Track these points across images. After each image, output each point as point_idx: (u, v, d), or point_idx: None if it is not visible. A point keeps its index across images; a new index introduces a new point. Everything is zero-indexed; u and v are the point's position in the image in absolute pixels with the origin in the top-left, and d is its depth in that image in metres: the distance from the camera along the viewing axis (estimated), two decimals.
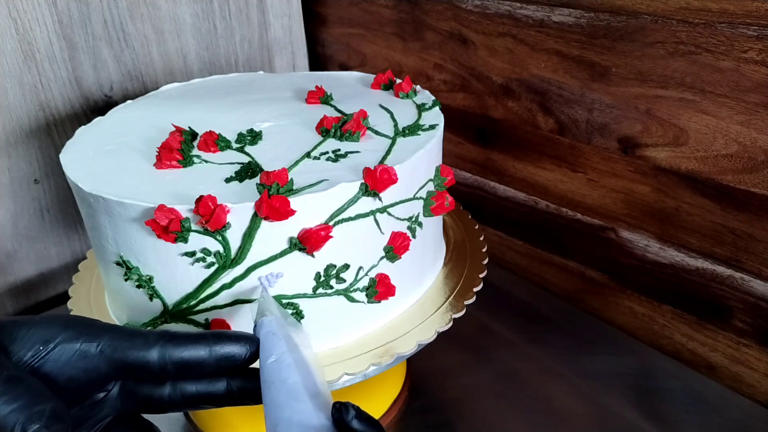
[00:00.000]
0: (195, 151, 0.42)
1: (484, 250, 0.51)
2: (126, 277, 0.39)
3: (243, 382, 0.32)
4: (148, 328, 0.41)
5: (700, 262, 0.55)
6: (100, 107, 0.68)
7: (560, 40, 0.58)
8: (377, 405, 0.50)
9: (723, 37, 0.47)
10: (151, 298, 0.39)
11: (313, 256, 0.37)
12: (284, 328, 0.32)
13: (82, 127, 0.49)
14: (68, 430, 0.25)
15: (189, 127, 0.44)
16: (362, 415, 0.27)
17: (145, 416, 0.33)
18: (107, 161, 0.42)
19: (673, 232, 0.56)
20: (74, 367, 0.28)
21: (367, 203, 0.38)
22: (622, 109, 0.56)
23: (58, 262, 0.70)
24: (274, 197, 0.34)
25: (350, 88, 0.54)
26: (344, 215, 0.37)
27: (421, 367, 0.55)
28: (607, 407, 0.51)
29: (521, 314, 0.63)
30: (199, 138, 0.43)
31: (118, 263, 0.39)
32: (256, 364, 0.31)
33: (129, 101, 0.54)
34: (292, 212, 0.35)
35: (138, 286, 0.39)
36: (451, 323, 0.43)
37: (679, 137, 0.52)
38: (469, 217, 0.56)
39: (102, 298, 0.47)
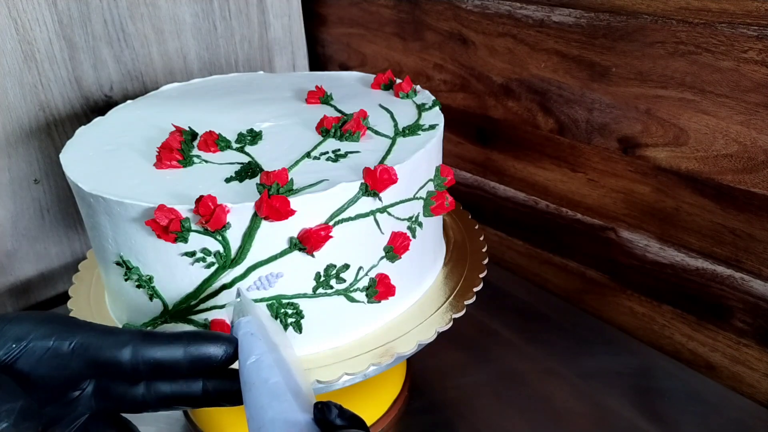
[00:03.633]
0: (195, 151, 0.42)
1: (484, 250, 0.51)
2: (126, 277, 0.39)
3: (219, 384, 0.31)
4: (149, 328, 0.41)
5: (700, 262, 0.55)
6: (100, 107, 0.68)
7: (560, 40, 0.58)
8: (377, 405, 0.50)
9: (723, 37, 0.47)
10: (151, 298, 0.39)
11: (313, 256, 0.37)
12: (263, 329, 0.31)
13: (82, 127, 0.49)
14: (38, 428, 0.25)
15: (189, 127, 0.44)
16: (345, 413, 0.27)
17: (137, 416, 0.33)
18: (107, 161, 0.42)
19: (673, 232, 0.56)
20: (47, 365, 0.28)
21: (367, 203, 0.38)
22: (622, 109, 0.56)
23: (58, 262, 0.70)
24: (274, 197, 0.34)
25: (350, 88, 0.54)
26: (344, 215, 0.37)
27: (421, 367, 0.55)
28: (607, 407, 0.51)
29: (521, 314, 0.63)
30: (199, 138, 0.43)
31: (118, 263, 0.39)
32: (235, 365, 0.30)
33: (129, 101, 0.54)
34: (292, 212, 0.35)
35: (138, 286, 0.39)
36: (451, 323, 0.43)
37: (679, 137, 0.52)
38: (469, 217, 0.56)
39: (102, 298, 0.47)
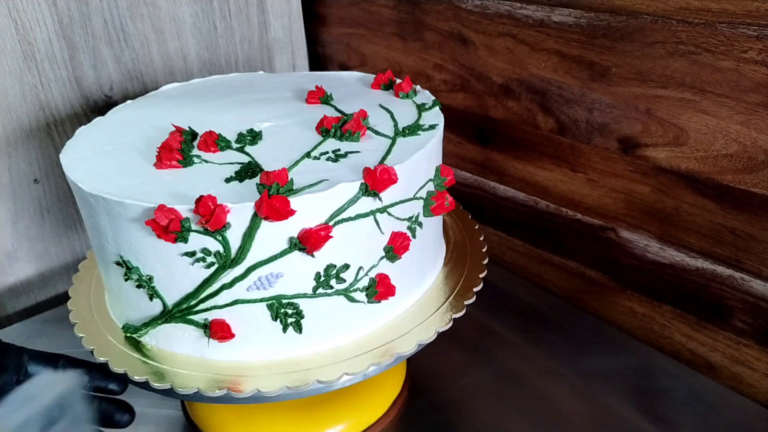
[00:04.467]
0: (195, 151, 0.42)
1: (484, 250, 0.51)
2: (126, 277, 0.39)
3: None
4: (150, 329, 0.41)
5: (700, 262, 0.55)
6: (100, 107, 0.68)
7: (560, 40, 0.58)
8: (377, 405, 0.50)
9: (723, 37, 0.47)
10: (151, 298, 0.39)
11: (313, 256, 0.37)
12: None
13: (82, 127, 0.49)
14: None
15: (189, 127, 0.44)
16: None
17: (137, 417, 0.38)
18: (107, 161, 0.42)
19: (673, 232, 0.56)
20: None
21: (367, 203, 0.38)
22: (622, 109, 0.56)
23: (58, 262, 0.70)
24: (274, 197, 0.34)
25: (350, 88, 0.54)
26: (344, 215, 0.37)
27: (421, 367, 0.55)
28: (607, 407, 0.51)
29: (521, 314, 0.63)
30: (199, 138, 0.43)
31: (118, 263, 0.39)
32: None
33: (129, 101, 0.54)
34: (292, 212, 0.35)
35: (138, 286, 0.39)
36: (451, 323, 0.43)
37: (679, 137, 0.52)
38: (469, 217, 0.56)
39: (102, 298, 0.47)
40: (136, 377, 0.39)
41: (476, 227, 0.54)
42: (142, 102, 0.53)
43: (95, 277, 0.50)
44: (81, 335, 0.43)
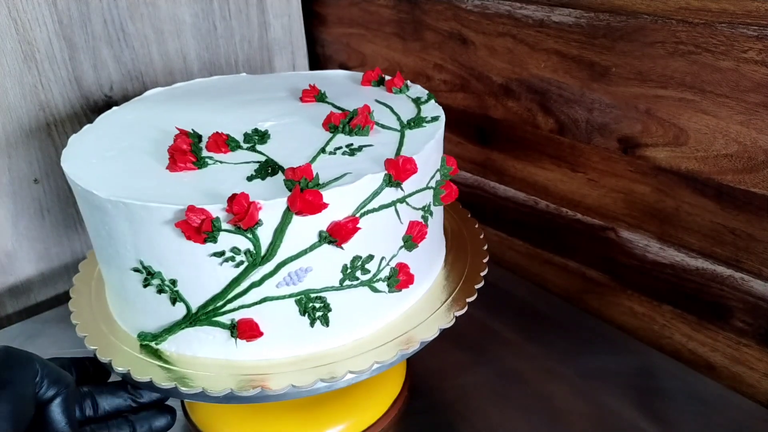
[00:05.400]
0: (205, 152, 0.42)
1: (482, 236, 0.52)
2: (146, 283, 0.38)
3: None
4: (170, 335, 0.40)
5: (700, 262, 0.55)
6: (100, 107, 0.68)
7: (560, 40, 0.58)
8: (377, 405, 0.50)
9: (723, 37, 0.47)
10: (173, 303, 0.38)
11: (342, 248, 0.37)
12: None
13: (74, 135, 0.47)
14: None
15: (192, 129, 0.43)
16: None
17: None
18: (114, 166, 0.41)
19: (673, 232, 0.56)
20: None
21: (389, 194, 0.38)
22: (622, 109, 0.56)
23: (59, 262, 0.70)
24: (306, 191, 0.35)
25: (341, 86, 0.54)
26: (369, 206, 0.38)
27: (421, 367, 0.55)
28: (608, 407, 0.51)
29: (521, 314, 0.63)
30: (207, 139, 0.42)
31: (136, 270, 0.39)
32: None
33: (115, 107, 0.52)
34: (324, 206, 0.35)
35: (159, 291, 0.38)
36: (466, 307, 0.44)
37: (679, 137, 0.53)
38: (460, 206, 0.56)
39: (102, 298, 0.47)
40: (163, 384, 0.38)
41: (468, 215, 0.55)
42: (129, 107, 0.52)
43: (95, 277, 0.50)
44: (94, 347, 0.42)
